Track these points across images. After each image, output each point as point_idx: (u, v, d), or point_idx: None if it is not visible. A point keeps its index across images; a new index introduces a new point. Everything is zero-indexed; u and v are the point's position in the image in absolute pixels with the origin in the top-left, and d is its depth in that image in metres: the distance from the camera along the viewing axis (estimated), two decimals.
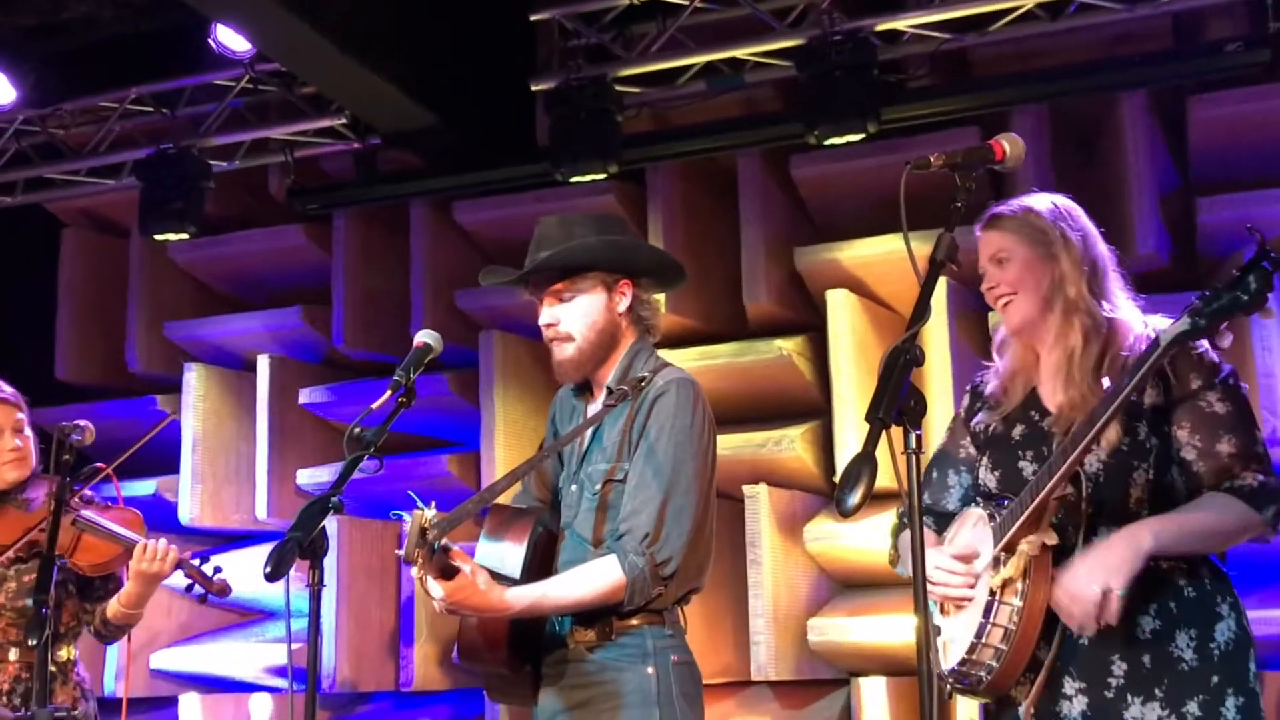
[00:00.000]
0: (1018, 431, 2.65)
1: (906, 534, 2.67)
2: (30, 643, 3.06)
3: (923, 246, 2.21)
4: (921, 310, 2.10)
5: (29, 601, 3.46)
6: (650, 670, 2.80)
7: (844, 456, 4.77)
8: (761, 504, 4.88)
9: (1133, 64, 4.75)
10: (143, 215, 5.77)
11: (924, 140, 4.82)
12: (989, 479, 2.67)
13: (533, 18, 5.26)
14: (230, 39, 5.41)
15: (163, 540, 3.49)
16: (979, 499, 2.70)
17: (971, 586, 2.55)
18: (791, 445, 4.94)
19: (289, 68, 5.45)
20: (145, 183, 5.76)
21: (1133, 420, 2.51)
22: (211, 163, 5.80)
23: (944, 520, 2.75)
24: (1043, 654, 2.49)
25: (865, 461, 1.96)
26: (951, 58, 5.12)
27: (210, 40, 5.43)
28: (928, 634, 1.95)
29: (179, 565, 3.49)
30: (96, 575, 3.56)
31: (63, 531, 3.42)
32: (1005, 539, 2.48)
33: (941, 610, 2.65)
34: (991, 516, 2.56)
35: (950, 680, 2.56)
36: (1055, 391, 2.62)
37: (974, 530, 2.60)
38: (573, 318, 2.89)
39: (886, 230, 4.81)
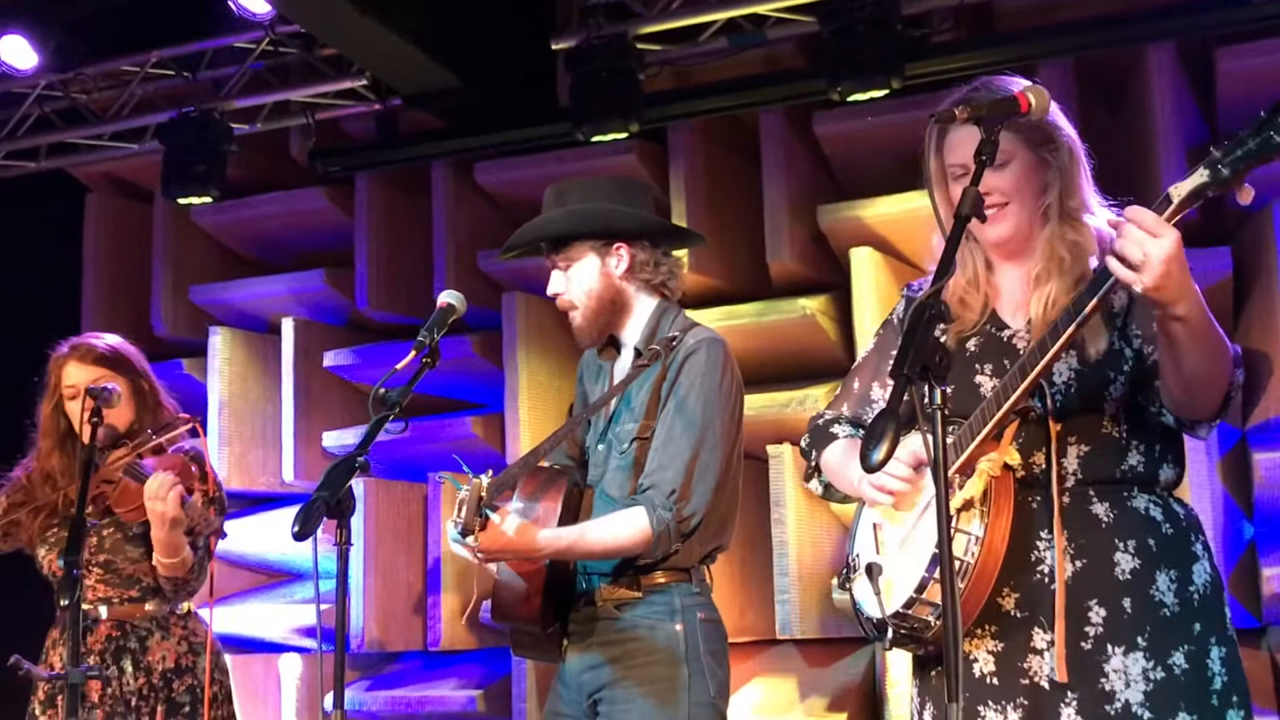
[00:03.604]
0: (973, 343, 2.41)
1: (831, 447, 2.55)
2: (62, 603, 3.07)
3: None
4: (946, 265, 2.06)
5: (114, 557, 3.49)
6: (678, 627, 2.83)
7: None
8: (786, 464, 4.88)
9: (1160, 15, 4.69)
10: (166, 179, 5.78)
11: (948, 96, 4.76)
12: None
13: None
14: (250, 1, 5.39)
15: (163, 475, 3.33)
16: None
17: (909, 489, 2.28)
18: (815, 405, 4.92)
19: (309, 29, 5.43)
20: (168, 146, 5.77)
21: (1106, 324, 2.30)
22: (233, 126, 5.80)
23: None
24: (1005, 601, 2.26)
25: (891, 417, 1.92)
26: (976, 11, 5.06)
27: (230, 2, 5.40)
28: (951, 590, 1.93)
29: (183, 505, 3.32)
30: (136, 523, 3.49)
31: (115, 483, 3.43)
32: (962, 458, 2.25)
33: (877, 548, 2.39)
34: None
35: (891, 627, 2.27)
36: (1023, 307, 2.39)
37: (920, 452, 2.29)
38: (572, 286, 2.97)
39: (910, 187, 4.76)
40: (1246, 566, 4.41)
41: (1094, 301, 2.12)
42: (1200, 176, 2.02)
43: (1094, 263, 2.32)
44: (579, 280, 2.96)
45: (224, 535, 3.53)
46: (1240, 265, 4.54)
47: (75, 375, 3.55)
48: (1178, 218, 2.05)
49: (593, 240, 2.95)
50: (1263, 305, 4.50)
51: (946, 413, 2.26)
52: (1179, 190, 2.04)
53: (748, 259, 5.28)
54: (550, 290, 3.01)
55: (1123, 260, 2.05)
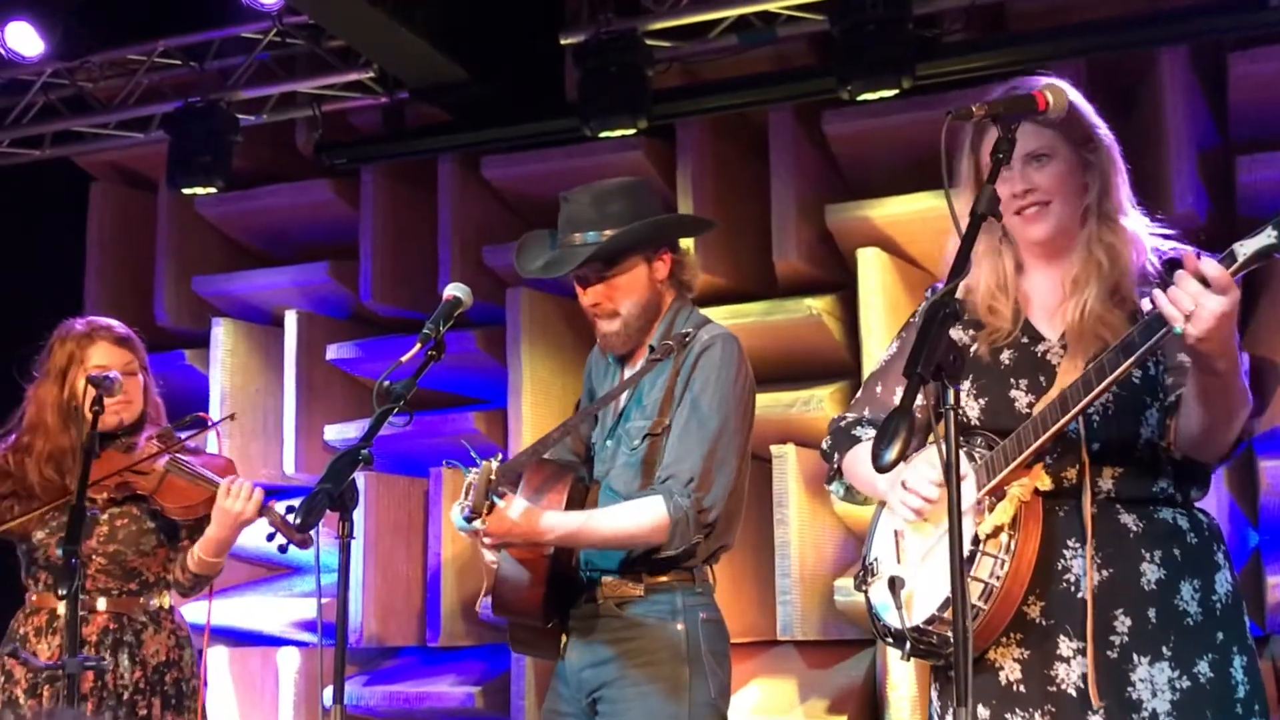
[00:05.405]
0: (1008, 356, 2.36)
1: (855, 449, 2.54)
2: (60, 593, 3.04)
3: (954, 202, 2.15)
4: (962, 264, 2.03)
5: (125, 549, 3.46)
6: (680, 627, 2.82)
7: None
8: (789, 464, 4.85)
9: (1173, 19, 4.67)
10: (171, 169, 5.76)
11: (959, 96, 4.74)
12: (970, 407, 2.35)
13: None
14: None
15: (249, 481, 3.40)
16: None
17: (931, 506, 2.25)
18: (820, 405, 4.90)
19: (317, 20, 5.42)
20: (173, 136, 5.75)
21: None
22: (239, 116, 5.78)
23: None
24: (1030, 609, 2.25)
25: (903, 417, 1.89)
26: (987, 12, 5.04)
27: None
28: (963, 593, 1.91)
29: (263, 510, 3.36)
30: (184, 520, 3.48)
31: (151, 474, 3.43)
32: (995, 480, 2.23)
33: (898, 556, 2.37)
34: (970, 456, 2.27)
35: (909, 640, 2.27)
36: (1058, 314, 2.36)
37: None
38: (619, 295, 2.91)
39: (919, 188, 4.76)
40: (1251, 574, 4.39)
41: (1147, 346, 2.10)
42: (1268, 237, 2.01)
43: (1134, 258, 2.32)
44: (628, 290, 2.91)
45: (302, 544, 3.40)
46: (1249, 273, 4.50)
47: (105, 355, 3.54)
48: (1239, 276, 2.05)
49: (645, 249, 2.91)
50: (1271, 313, 4.48)
51: (961, 416, 2.24)
52: (1244, 249, 2.03)
53: (754, 258, 5.26)
54: (590, 301, 2.94)
55: (1172, 303, 2.04)
